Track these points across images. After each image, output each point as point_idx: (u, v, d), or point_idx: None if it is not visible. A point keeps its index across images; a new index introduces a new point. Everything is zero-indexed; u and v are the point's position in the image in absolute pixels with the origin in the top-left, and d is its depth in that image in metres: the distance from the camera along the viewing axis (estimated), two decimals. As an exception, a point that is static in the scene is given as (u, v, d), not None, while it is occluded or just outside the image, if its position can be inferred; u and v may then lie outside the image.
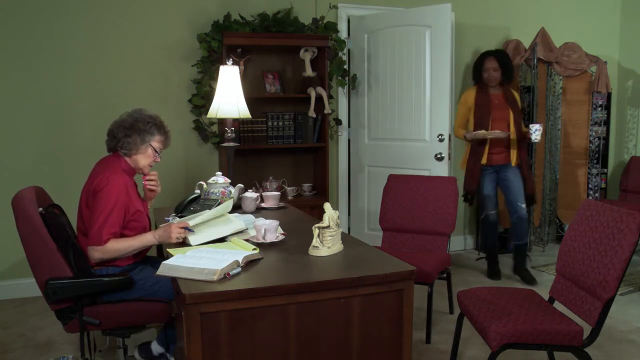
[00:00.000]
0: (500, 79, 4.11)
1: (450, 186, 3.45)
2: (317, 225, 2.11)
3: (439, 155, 4.33)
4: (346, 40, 4.63)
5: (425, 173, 4.27)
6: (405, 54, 4.39)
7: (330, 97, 4.43)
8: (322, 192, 4.44)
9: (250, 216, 2.74)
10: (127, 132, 2.39)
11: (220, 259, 1.91)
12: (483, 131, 4.01)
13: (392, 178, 3.64)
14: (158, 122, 2.47)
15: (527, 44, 4.90)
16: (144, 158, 2.45)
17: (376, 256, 2.10)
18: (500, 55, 4.16)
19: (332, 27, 4.45)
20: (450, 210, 3.41)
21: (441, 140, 4.31)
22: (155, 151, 2.47)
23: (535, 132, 3.94)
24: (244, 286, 1.73)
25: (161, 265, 1.89)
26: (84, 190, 2.36)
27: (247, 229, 2.43)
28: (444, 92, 4.25)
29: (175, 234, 2.23)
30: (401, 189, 3.57)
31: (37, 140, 3.92)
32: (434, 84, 4.28)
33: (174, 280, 1.85)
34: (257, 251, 2.09)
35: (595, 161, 5.01)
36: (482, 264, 4.76)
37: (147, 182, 2.59)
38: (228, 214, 2.45)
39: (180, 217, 2.69)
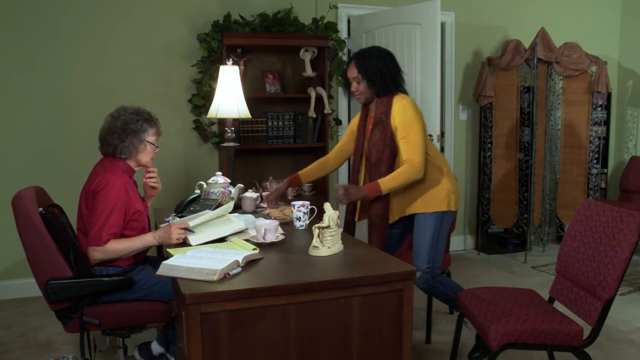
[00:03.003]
0: (368, 92, 2.74)
1: None
2: (317, 225, 2.11)
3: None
4: (346, 40, 4.63)
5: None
6: (398, 53, 4.34)
7: (330, 97, 4.43)
8: (322, 192, 4.44)
9: (250, 216, 2.74)
10: (121, 136, 2.36)
11: (220, 259, 1.91)
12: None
13: None
14: (146, 116, 2.43)
15: (527, 44, 4.90)
16: (144, 155, 2.45)
17: (376, 256, 2.10)
18: (360, 58, 2.74)
19: (332, 27, 4.45)
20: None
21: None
22: (153, 144, 2.47)
23: (297, 215, 2.58)
24: (244, 286, 1.73)
25: (161, 265, 1.89)
26: (84, 191, 2.35)
27: (247, 229, 2.43)
28: (433, 90, 4.19)
29: (176, 234, 2.22)
30: None
31: (37, 140, 3.92)
32: (424, 83, 4.25)
33: (174, 280, 1.85)
34: (257, 251, 2.09)
35: (595, 161, 5.01)
36: (482, 264, 4.76)
37: (147, 180, 2.58)
38: (228, 214, 2.45)
39: (180, 217, 2.69)
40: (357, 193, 2.66)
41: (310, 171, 3.05)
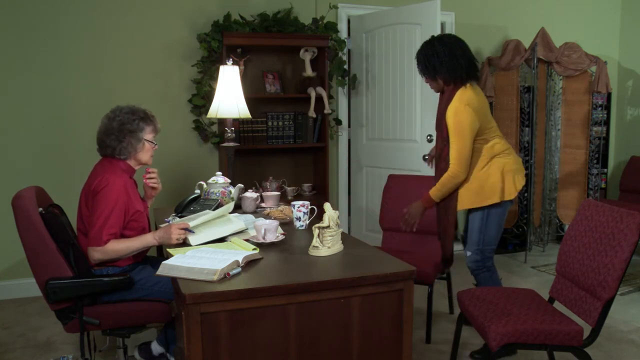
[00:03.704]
0: (434, 85, 2.91)
1: None
2: (317, 225, 2.11)
3: (427, 157, 4.19)
4: (346, 40, 4.63)
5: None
6: (398, 53, 4.38)
7: (330, 97, 4.43)
8: (322, 192, 4.44)
9: (250, 216, 2.74)
10: (119, 137, 2.35)
11: (220, 259, 1.91)
12: None
13: (391, 178, 3.64)
14: (142, 115, 2.42)
15: (527, 44, 4.90)
16: (144, 154, 2.44)
17: (376, 256, 2.10)
18: (418, 53, 2.89)
19: (332, 27, 4.45)
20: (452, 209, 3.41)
21: (430, 141, 4.21)
22: (151, 142, 2.46)
23: (297, 215, 2.57)
24: (244, 286, 1.73)
25: (161, 265, 1.89)
26: (84, 191, 2.35)
27: (247, 229, 2.43)
28: (432, 91, 4.16)
29: (176, 234, 2.22)
30: (401, 189, 3.56)
31: (37, 140, 3.92)
32: (424, 83, 4.22)
33: (174, 280, 1.85)
34: (257, 251, 2.09)
35: (595, 161, 5.01)
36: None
37: (148, 180, 2.58)
38: (228, 214, 2.45)
39: (180, 217, 2.69)
40: (417, 209, 2.93)
41: None
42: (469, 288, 2.63)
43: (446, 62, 2.76)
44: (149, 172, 2.58)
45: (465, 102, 2.73)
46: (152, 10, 4.11)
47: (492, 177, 2.83)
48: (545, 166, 5.04)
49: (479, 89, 2.88)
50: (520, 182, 2.90)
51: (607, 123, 5.33)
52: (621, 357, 2.93)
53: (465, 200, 2.90)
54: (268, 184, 4.18)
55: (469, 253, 3.00)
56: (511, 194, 2.86)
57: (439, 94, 2.98)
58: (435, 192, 2.88)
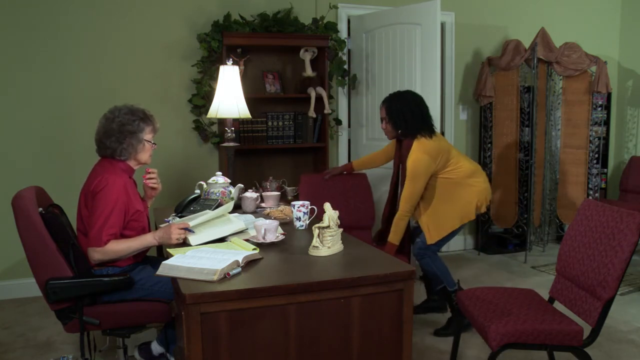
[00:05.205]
0: (394, 132, 3.20)
1: (362, 181, 3.65)
2: (317, 225, 2.11)
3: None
4: (346, 40, 4.63)
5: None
6: (398, 53, 4.38)
7: (330, 97, 4.43)
8: (322, 192, 4.43)
9: (250, 216, 2.74)
10: (119, 138, 2.34)
11: (220, 259, 1.91)
12: None
13: (305, 179, 3.64)
14: (141, 115, 2.40)
15: (527, 44, 4.90)
16: (144, 154, 2.44)
17: (376, 256, 2.10)
18: (389, 100, 3.18)
19: (332, 27, 4.45)
20: (368, 203, 3.58)
21: None
22: (150, 141, 2.45)
23: (297, 215, 2.58)
24: (244, 286, 1.73)
25: (161, 265, 1.89)
26: (83, 191, 2.35)
27: (247, 229, 2.43)
28: (433, 90, 4.15)
29: (176, 234, 2.22)
30: (318, 189, 3.56)
31: (37, 140, 3.92)
32: (424, 83, 4.23)
33: (174, 280, 1.85)
34: (257, 251, 2.09)
35: (595, 161, 5.01)
36: (482, 264, 4.76)
37: (148, 181, 2.58)
38: (228, 214, 2.45)
39: (180, 217, 2.69)
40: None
41: (362, 162, 3.60)
42: (469, 288, 2.63)
43: (414, 119, 3.11)
44: (149, 172, 2.58)
45: (423, 150, 3.05)
46: (152, 10, 4.11)
47: (469, 199, 3.17)
48: (545, 166, 5.04)
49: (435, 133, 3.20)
50: (488, 197, 3.25)
51: (607, 123, 5.33)
52: (621, 357, 2.94)
53: (449, 223, 3.17)
54: (268, 184, 4.18)
55: (418, 241, 3.28)
56: (482, 208, 3.22)
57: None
58: (392, 237, 3.12)
